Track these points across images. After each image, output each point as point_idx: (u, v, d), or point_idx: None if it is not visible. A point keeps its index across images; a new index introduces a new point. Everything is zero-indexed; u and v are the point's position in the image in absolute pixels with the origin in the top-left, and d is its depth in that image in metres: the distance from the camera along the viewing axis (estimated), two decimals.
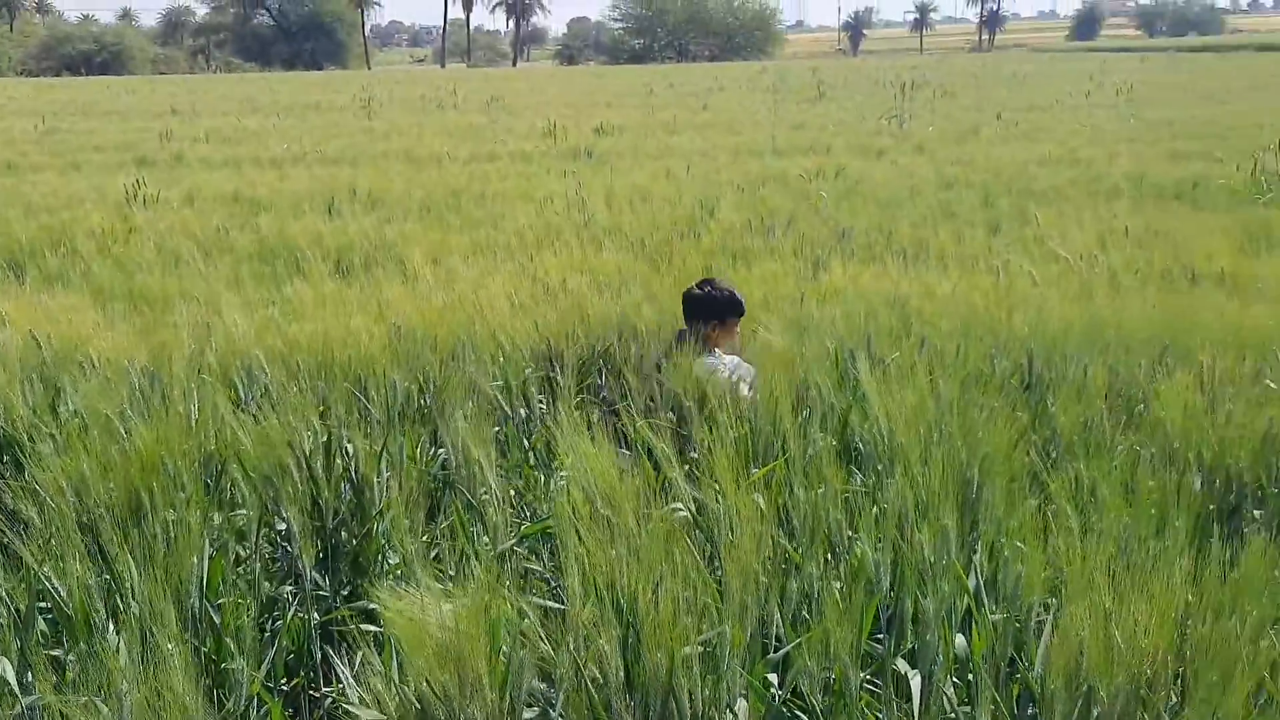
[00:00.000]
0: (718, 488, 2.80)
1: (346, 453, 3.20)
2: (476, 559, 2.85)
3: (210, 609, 2.69)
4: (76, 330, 4.27)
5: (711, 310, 4.01)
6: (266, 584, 3.06)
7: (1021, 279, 5.22)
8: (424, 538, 3.12)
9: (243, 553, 3.10)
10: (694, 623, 2.39)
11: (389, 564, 3.14)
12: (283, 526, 3.06)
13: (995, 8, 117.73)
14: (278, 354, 4.15)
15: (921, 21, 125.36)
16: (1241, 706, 1.89)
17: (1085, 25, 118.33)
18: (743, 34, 79.60)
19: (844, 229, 7.01)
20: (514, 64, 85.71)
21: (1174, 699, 1.98)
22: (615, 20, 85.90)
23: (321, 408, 3.75)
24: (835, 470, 2.95)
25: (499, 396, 4.21)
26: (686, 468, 3.14)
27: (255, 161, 12.48)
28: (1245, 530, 2.71)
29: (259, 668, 2.68)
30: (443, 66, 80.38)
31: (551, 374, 4.39)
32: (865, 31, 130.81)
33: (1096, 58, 45.87)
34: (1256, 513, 2.96)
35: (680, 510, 3.04)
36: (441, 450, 3.69)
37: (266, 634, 2.96)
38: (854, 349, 3.96)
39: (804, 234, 6.86)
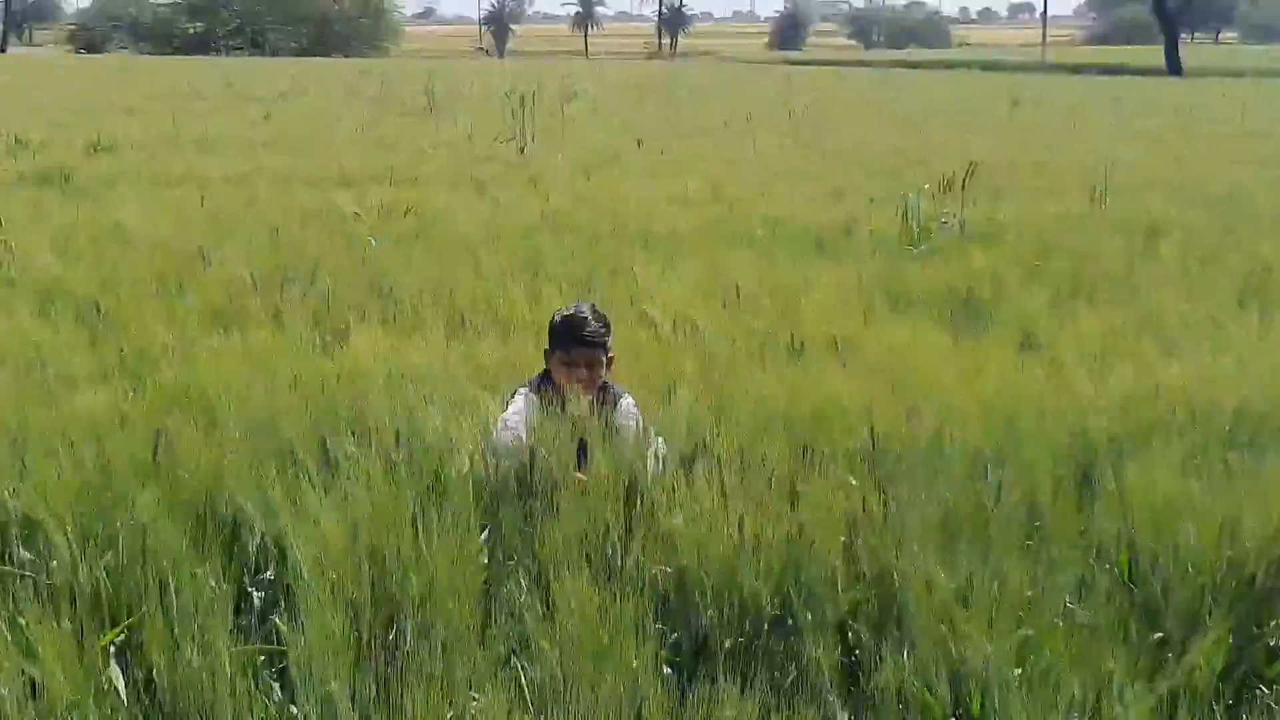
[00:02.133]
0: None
1: None
2: None
3: None
4: None
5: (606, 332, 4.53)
6: None
7: None
8: None
9: None
10: None
11: None
12: None
13: (677, 3, 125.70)
14: None
15: (586, 17, 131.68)
16: None
17: (788, 32, 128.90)
18: (344, 22, 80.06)
19: (389, 286, 7.09)
20: (2, 49, 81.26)
21: None
22: None
23: None
24: (222, 623, 2.92)
25: None
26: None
27: None
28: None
29: None
30: None
31: None
32: (514, 27, 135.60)
33: (792, 72, 50.00)
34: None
35: None
36: None
37: None
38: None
39: (335, 292, 6.87)
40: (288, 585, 3.39)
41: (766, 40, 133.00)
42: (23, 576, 3.39)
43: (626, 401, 4.36)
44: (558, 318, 4.53)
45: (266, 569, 3.54)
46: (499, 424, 4.10)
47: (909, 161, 14.63)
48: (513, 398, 4.36)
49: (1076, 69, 56.24)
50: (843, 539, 3.28)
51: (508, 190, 11.64)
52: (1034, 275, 7.34)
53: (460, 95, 29.05)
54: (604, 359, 4.44)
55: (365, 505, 3.30)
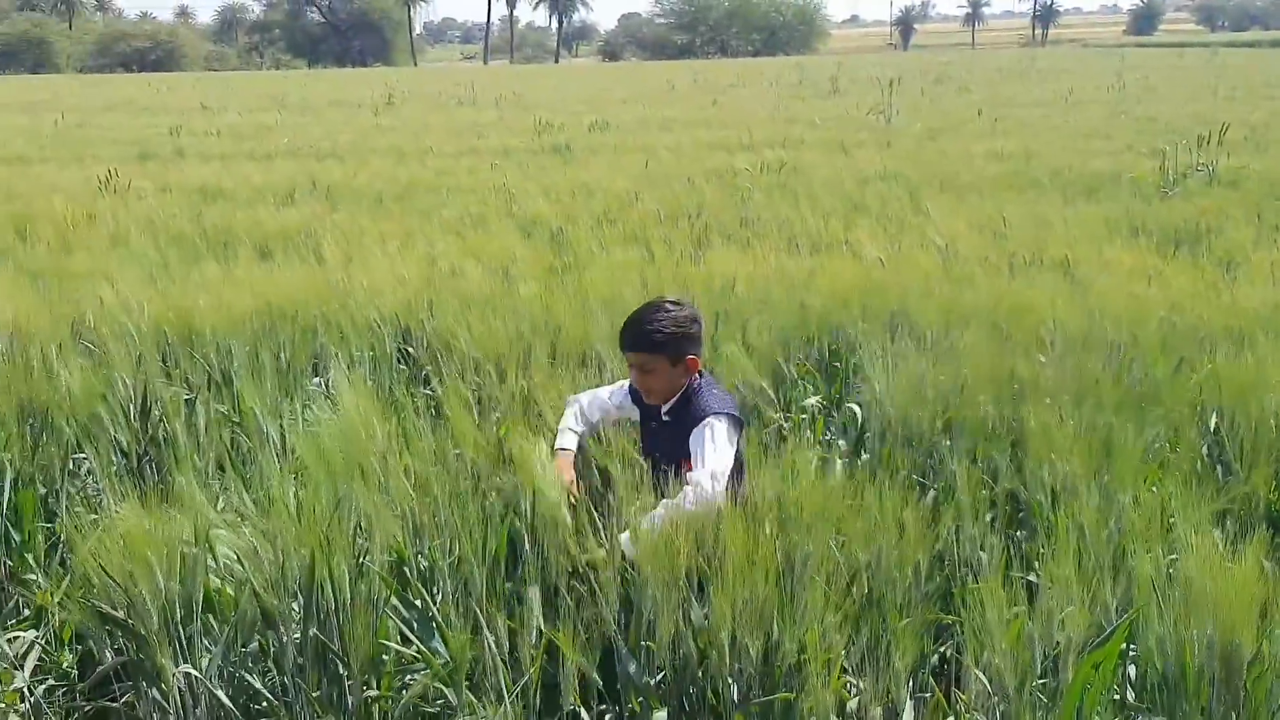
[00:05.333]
0: None
1: (160, 403, 3.68)
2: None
3: (9, 527, 3.19)
4: None
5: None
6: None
7: (872, 263, 5.57)
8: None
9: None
10: None
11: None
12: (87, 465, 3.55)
13: (1049, 1, 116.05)
14: (155, 322, 4.65)
15: (974, 16, 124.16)
16: None
17: (1143, 20, 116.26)
18: (786, 29, 79.56)
19: (750, 218, 7.40)
20: (556, 60, 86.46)
21: None
22: (659, 16, 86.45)
23: (169, 368, 4.27)
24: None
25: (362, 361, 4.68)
26: None
27: (250, 156, 13.10)
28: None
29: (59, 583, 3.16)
30: (485, 63, 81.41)
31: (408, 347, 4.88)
32: (917, 26, 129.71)
33: (1134, 54, 45.34)
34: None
35: None
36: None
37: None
38: None
39: (708, 223, 7.25)
40: None
41: (1124, 28, 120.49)
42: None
43: (710, 425, 2.81)
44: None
45: None
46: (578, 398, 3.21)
47: (1201, 123, 13.22)
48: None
49: None
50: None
51: (865, 151, 11.59)
52: (1257, 214, 6.68)
53: (858, 80, 28.47)
54: (659, 366, 2.92)
55: None
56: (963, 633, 2.46)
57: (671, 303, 3.00)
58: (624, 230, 7.11)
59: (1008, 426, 3.27)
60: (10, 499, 3.21)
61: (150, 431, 3.70)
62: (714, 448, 2.77)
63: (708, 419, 2.82)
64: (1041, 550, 2.81)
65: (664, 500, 2.60)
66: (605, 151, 12.65)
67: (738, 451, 2.85)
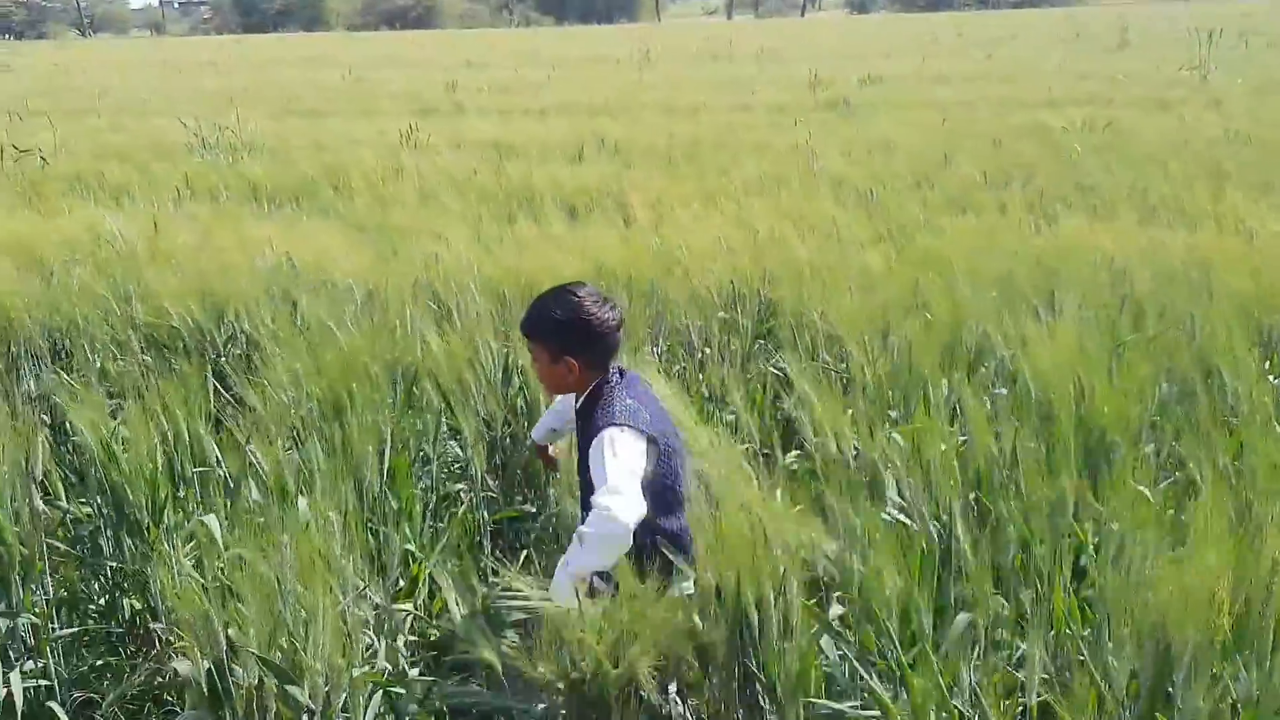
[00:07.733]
0: None
1: (520, 370, 3.58)
2: None
3: (389, 495, 3.14)
4: (325, 255, 4.92)
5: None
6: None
7: (1272, 240, 4.90)
8: None
9: (430, 452, 3.53)
10: None
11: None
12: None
13: None
14: (490, 282, 4.61)
15: None
16: None
17: None
18: None
19: (1091, 184, 6.73)
20: (801, 14, 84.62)
21: None
22: None
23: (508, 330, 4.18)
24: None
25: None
26: None
27: (524, 111, 13.29)
28: None
29: (431, 552, 3.10)
30: (729, 19, 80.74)
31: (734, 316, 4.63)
32: None
33: None
34: None
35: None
36: None
37: (442, 524, 3.39)
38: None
39: (1043, 189, 6.64)
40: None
41: None
42: (825, 369, 3.72)
43: (606, 439, 2.38)
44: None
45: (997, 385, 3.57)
46: None
47: None
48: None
49: None
50: None
51: (1191, 109, 10.45)
52: None
53: (1148, 34, 26.23)
54: (540, 356, 2.56)
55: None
56: None
57: (572, 293, 2.54)
58: (944, 194, 6.62)
59: None
60: (386, 463, 3.17)
61: (509, 400, 3.61)
62: (615, 461, 2.34)
63: (604, 430, 2.39)
64: None
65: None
66: (885, 108, 12.00)
67: (664, 480, 2.41)
